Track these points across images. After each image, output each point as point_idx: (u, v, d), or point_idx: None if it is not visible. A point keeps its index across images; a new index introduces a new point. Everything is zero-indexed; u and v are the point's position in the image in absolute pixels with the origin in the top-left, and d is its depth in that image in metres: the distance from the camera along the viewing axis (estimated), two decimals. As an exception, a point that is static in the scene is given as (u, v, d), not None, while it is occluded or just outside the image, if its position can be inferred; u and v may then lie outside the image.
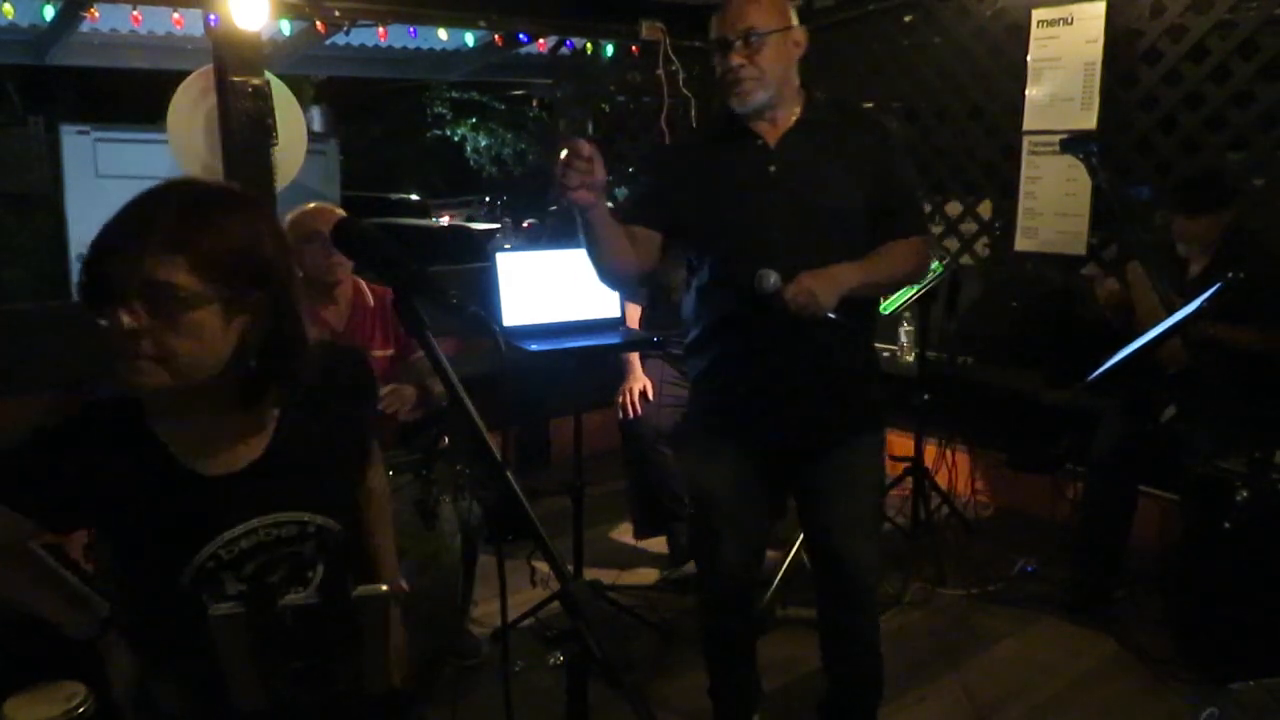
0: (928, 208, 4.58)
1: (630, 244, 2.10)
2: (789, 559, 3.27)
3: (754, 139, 2.14)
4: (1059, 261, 4.03)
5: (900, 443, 3.88)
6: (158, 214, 1.16)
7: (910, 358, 4.11)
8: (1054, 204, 4.00)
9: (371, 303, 2.89)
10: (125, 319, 1.11)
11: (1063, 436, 3.93)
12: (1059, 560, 3.51)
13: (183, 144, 3.60)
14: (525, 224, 11.85)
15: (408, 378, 2.83)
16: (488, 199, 16.87)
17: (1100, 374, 2.93)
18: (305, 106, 8.45)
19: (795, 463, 2.27)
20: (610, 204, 2.16)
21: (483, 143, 17.14)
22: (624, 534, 3.90)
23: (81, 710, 2.12)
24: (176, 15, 4.17)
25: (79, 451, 1.23)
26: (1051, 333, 3.98)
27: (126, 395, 1.22)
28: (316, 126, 13.80)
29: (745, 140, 2.15)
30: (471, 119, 16.88)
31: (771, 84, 2.08)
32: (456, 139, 17.21)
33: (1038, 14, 3.96)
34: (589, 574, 3.34)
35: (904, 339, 4.24)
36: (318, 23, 4.15)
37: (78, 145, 8.23)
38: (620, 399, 3.52)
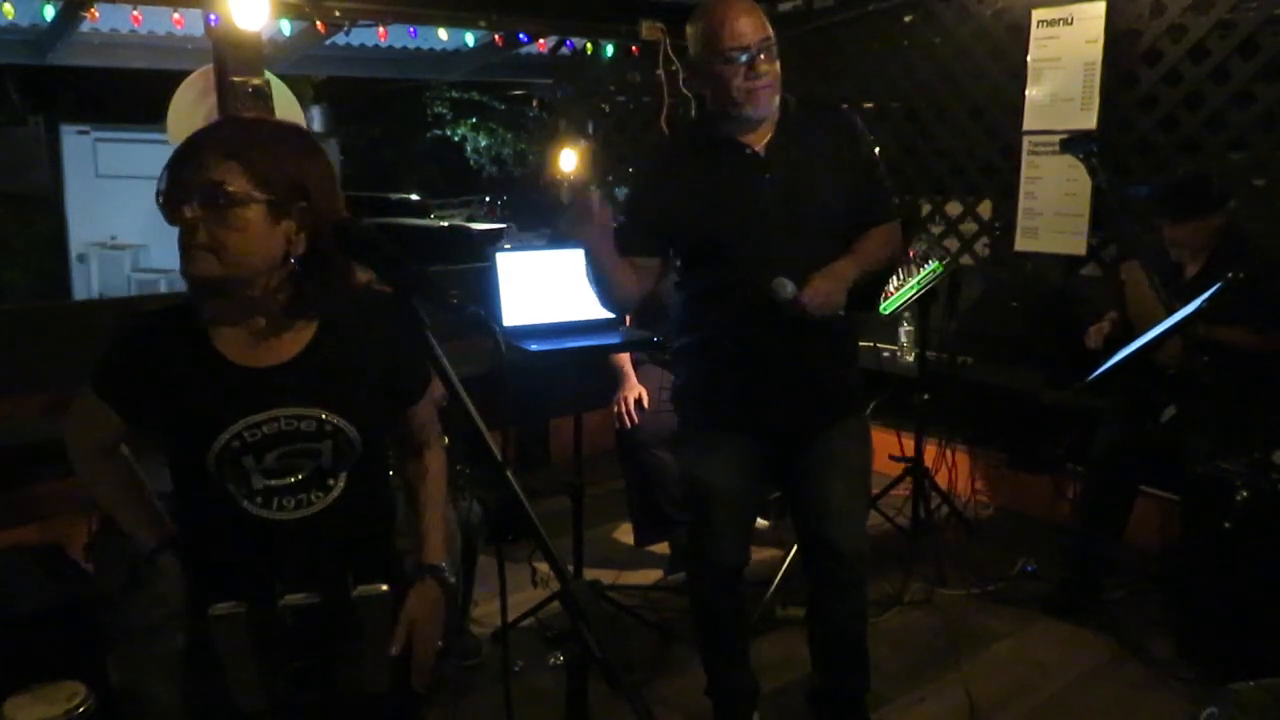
0: (927, 208, 4.59)
1: (632, 271, 2.23)
2: (789, 559, 3.27)
3: (743, 149, 2.20)
4: (1059, 261, 4.03)
5: (900, 443, 3.88)
6: (224, 129, 1.40)
7: (910, 358, 4.11)
8: (1054, 204, 4.00)
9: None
10: (186, 212, 1.30)
11: (1063, 436, 3.93)
12: (1059, 560, 3.51)
13: (183, 144, 3.60)
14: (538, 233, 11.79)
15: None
16: (488, 199, 16.88)
17: (1100, 374, 2.93)
18: (305, 106, 8.45)
19: (788, 449, 2.36)
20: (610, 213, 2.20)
21: (483, 143, 17.17)
22: (624, 534, 3.90)
23: (81, 710, 2.13)
24: (176, 15, 4.17)
25: (149, 347, 1.41)
26: (1051, 333, 3.98)
27: (189, 304, 1.41)
28: (316, 126, 13.82)
29: (733, 150, 2.20)
30: (471, 119, 16.90)
31: (778, 90, 2.17)
32: (456, 139, 17.23)
33: (1038, 14, 3.96)
34: (589, 574, 3.34)
35: (904, 339, 4.24)
36: (318, 23, 4.16)
37: (78, 145, 8.24)
38: (616, 408, 3.52)
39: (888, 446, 3.88)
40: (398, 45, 5.31)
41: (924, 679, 2.90)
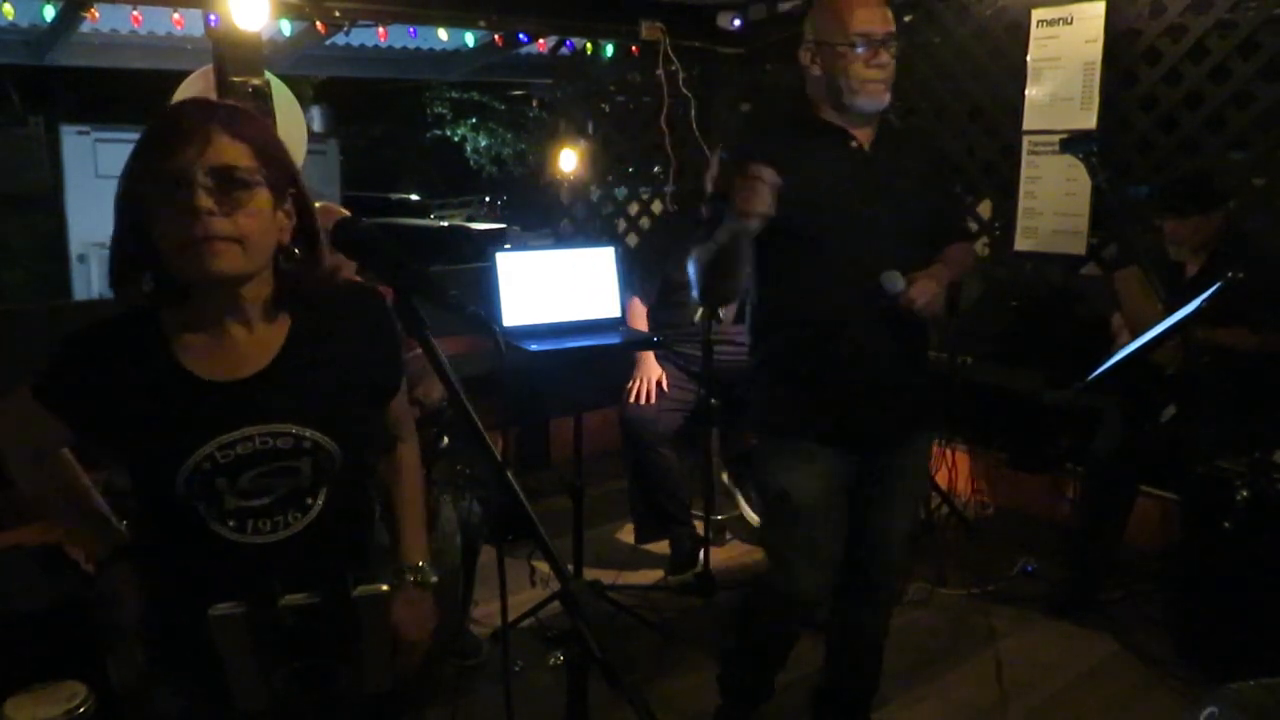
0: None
1: None
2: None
3: (850, 138, 2.13)
4: (1059, 261, 4.03)
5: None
6: (218, 109, 1.27)
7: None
8: (1054, 204, 4.00)
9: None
10: (204, 201, 1.18)
11: (1063, 436, 3.93)
12: (1059, 560, 3.51)
13: (183, 144, 3.59)
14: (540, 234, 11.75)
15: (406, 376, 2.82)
16: (487, 199, 16.88)
17: (1100, 374, 2.93)
18: (305, 106, 8.45)
19: (867, 465, 2.25)
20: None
21: (483, 143, 17.16)
22: (624, 534, 3.90)
23: (81, 710, 2.12)
24: (176, 15, 4.16)
25: (101, 358, 1.29)
26: (1051, 333, 3.98)
27: (144, 309, 1.30)
28: (316, 126, 13.82)
29: (840, 139, 2.13)
30: (471, 119, 16.90)
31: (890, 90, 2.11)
32: (456, 139, 17.23)
33: (1038, 14, 3.96)
34: (589, 574, 3.33)
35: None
36: (318, 23, 4.15)
37: (78, 145, 8.24)
38: (631, 385, 3.50)
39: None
40: (398, 45, 5.30)
41: (924, 679, 2.90)
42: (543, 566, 3.19)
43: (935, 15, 4.34)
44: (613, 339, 3.18)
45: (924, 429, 2.36)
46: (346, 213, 2.75)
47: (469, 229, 12.68)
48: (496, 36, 4.80)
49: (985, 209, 4.37)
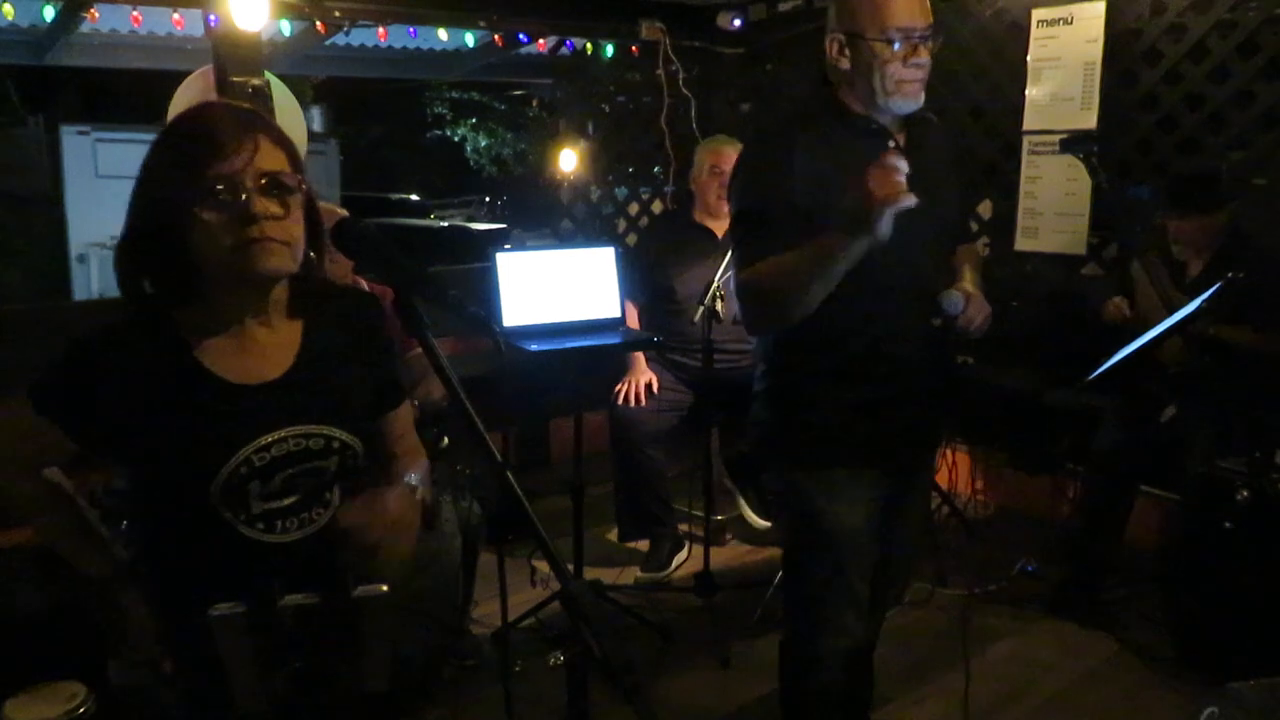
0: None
1: None
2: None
3: (887, 137, 1.93)
4: (1059, 261, 4.03)
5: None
6: (256, 119, 1.28)
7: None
8: (1054, 204, 4.00)
9: (371, 303, 2.88)
10: (260, 205, 1.21)
11: (1063, 436, 3.92)
12: (1059, 560, 3.51)
13: (183, 144, 3.59)
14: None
15: (405, 377, 2.82)
16: (487, 199, 16.88)
17: (1100, 374, 2.93)
18: (305, 106, 8.45)
19: (893, 489, 2.04)
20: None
21: (483, 143, 17.15)
22: (624, 534, 3.90)
23: (81, 710, 2.12)
24: (176, 15, 4.17)
25: (115, 363, 1.26)
26: (1051, 333, 3.98)
27: (154, 311, 1.28)
28: (316, 126, 13.83)
29: (881, 142, 1.91)
30: (471, 119, 16.89)
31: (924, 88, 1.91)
32: (456, 139, 17.22)
33: (1038, 14, 3.96)
34: (589, 574, 3.34)
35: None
36: (318, 23, 4.16)
37: (78, 145, 8.23)
38: (621, 388, 3.50)
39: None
40: (397, 45, 5.32)
41: (924, 679, 2.90)
42: (543, 566, 3.18)
43: (935, 15, 4.33)
44: (613, 339, 3.18)
45: (938, 445, 2.27)
46: (345, 213, 2.75)
47: (469, 229, 12.67)
48: (496, 36, 4.81)
49: (985, 209, 4.37)
